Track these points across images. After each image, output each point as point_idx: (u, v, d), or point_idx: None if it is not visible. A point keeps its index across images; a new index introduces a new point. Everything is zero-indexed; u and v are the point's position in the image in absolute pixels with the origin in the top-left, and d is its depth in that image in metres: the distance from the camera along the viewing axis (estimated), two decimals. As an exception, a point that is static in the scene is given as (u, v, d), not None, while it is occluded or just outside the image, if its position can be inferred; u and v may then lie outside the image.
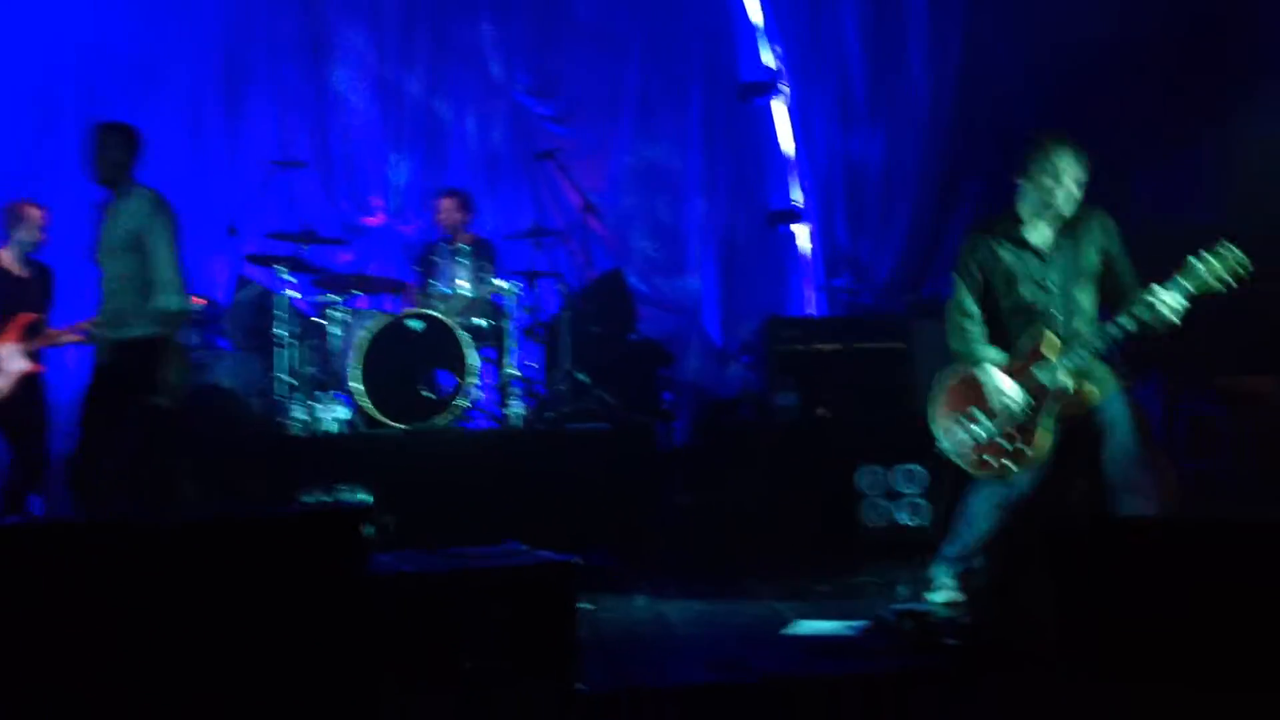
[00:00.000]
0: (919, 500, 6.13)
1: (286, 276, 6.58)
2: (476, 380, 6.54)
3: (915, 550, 5.68)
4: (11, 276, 6.26)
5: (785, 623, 4.42)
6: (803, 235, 9.11)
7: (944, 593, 4.52)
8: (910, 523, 6.13)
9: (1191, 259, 4.07)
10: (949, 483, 4.77)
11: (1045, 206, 4.33)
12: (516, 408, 6.61)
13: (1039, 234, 4.40)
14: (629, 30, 8.91)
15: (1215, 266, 4.05)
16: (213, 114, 8.29)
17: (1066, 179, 4.28)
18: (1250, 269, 4.05)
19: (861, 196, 8.98)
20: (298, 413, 6.25)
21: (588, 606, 3.54)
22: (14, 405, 6.13)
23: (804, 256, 9.10)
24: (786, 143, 9.13)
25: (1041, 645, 3.63)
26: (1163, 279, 4.14)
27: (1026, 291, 4.38)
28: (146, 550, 3.04)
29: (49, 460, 6.36)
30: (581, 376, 6.73)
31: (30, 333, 6.20)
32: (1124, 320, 4.16)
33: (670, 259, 8.95)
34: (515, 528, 4.45)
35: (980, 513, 4.48)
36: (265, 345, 6.77)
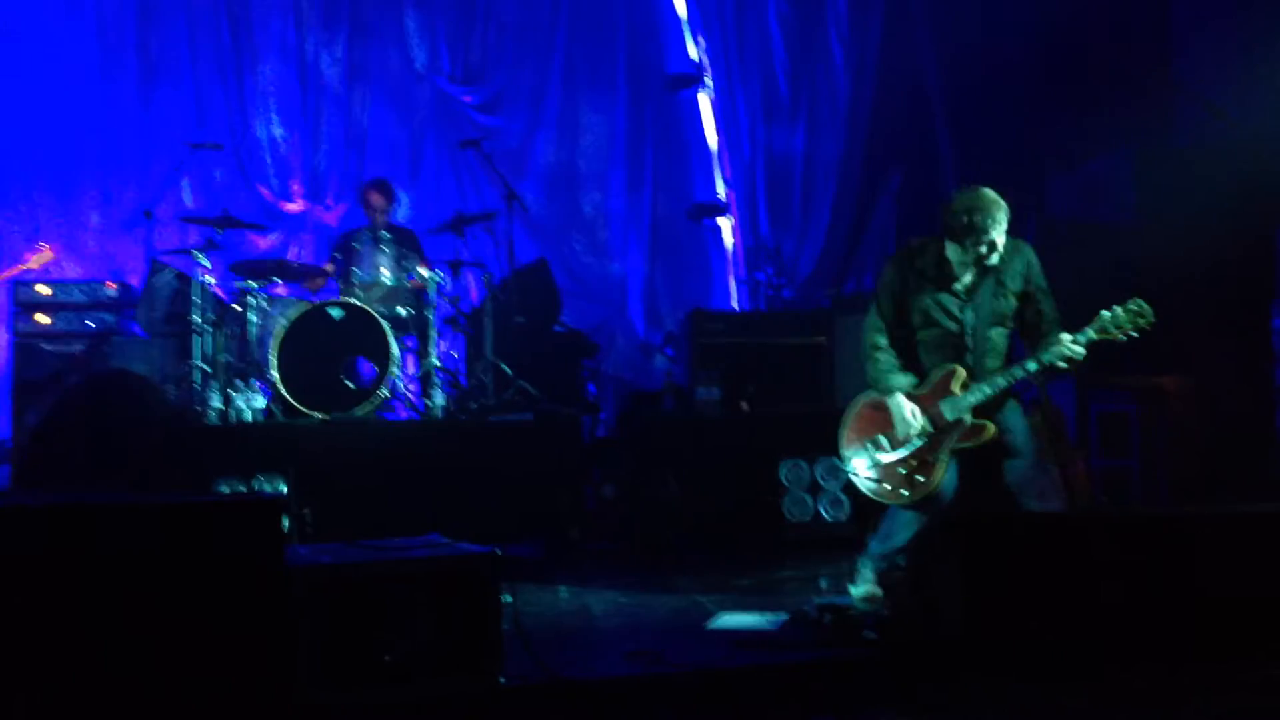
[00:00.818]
0: (840, 495, 6.20)
1: (203, 262, 6.43)
2: (398, 370, 6.46)
3: (836, 544, 5.77)
4: None
5: (707, 615, 4.44)
6: (727, 228, 9.16)
7: (865, 586, 4.61)
8: (831, 517, 6.19)
9: (1103, 311, 4.25)
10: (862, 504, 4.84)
11: (974, 258, 4.35)
12: (438, 398, 6.55)
13: (962, 277, 4.44)
14: (554, 19, 8.88)
15: (1122, 319, 4.24)
16: (126, 93, 8.09)
17: (994, 234, 4.30)
18: (1153, 321, 4.23)
19: (784, 190, 9.08)
20: (214, 401, 6.12)
21: (509, 599, 3.51)
22: None
23: (728, 250, 9.15)
24: (711, 135, 9.17)
25: (955, 637, 3.71)
26: (1076, 317, 4.29)
27: (941, 327, 4.46)
28: (59, 536, 2.96)
29: None
30: (505, 367, 6.69)
31: None
32: (1030, 364, 4.32)
33: (595, 250, 8.95)
34: (437, 519, 4.42)
35: (906, 518, 4.58)
36: (181, 332, 6.63)
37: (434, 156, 8.67)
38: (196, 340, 6.38)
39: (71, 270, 7.70)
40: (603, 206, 9.00)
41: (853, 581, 4.68)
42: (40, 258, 6.58)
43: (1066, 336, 4.26)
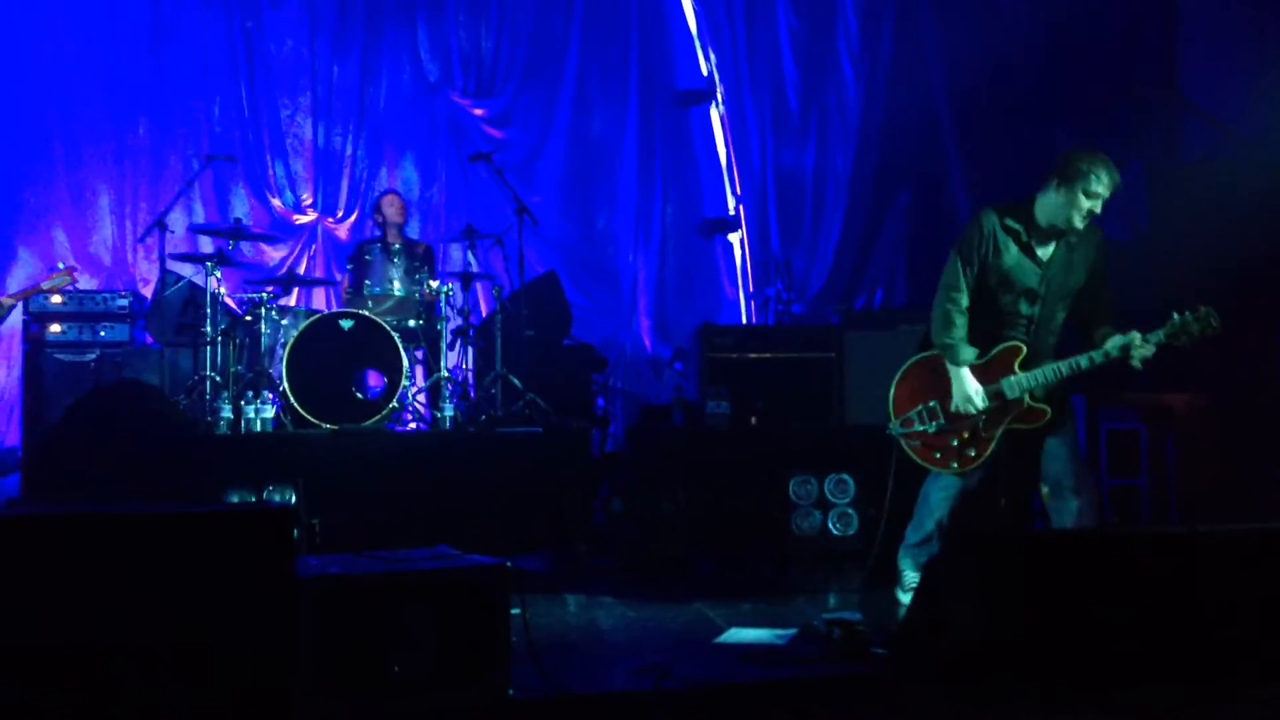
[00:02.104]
0: (849, 510, 6.19)
1: (215, 273, 6.46)
2: (407, 381, 6.48)
3: (844, 559, 5.77)
4: None
5: (715, 629, 4.44)
6: (737, 243, 9.18)
7: (914, 584, 4.57)
8: (839, 532, 6.18)
9: (1174, 314, 4.23)
10: (893, 482, 4.78)
11: (1066, 220, 4.29)
12: (448, 410, 6.56)
13: (1044, 242, 4.38)
14: (566, 35, 8.92)
15: (1191, 323, 4.21)
16: (139, 105, 8.13)
17: (1100, 200, 4.27)
18: (1219, 327, 4.21)
19: (794, 205, 9.10)
20: (225, 411, 6.14)
21: (518, 611, 3.52)
22: None
23: (738, 264, 9.17)
24: (722, 150, 9.20)
25: (966, 653, 3.69)
26: (1146, 327, 4.29)
27: (1016, 298, 4.41)
28: (70, 545, 2.97)
29: None
30: (514, 380, 6.70)
31: None
32: (1098, 355, 4.30)
33: (605, 264, 8.96)
34: (445, 531, 4.42)
35: (936, 501, 4.59)
36: (192, 342, 6.66)
37: (445, 169, 8.70)
38: (208, 350, 6.40)
39: (85, 280, 7.74)
40: (613, 220, 9.03)
41: (899, 583, 4.69)
42: (58, 278, 6.62)
43: (1138, 335, 4.23)
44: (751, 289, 9.03)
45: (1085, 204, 4.24)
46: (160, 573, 3.04)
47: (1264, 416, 6.70)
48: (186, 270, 6.96)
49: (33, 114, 7.94)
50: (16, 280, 7.54)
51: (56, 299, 6.87)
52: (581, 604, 5.12)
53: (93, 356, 6.82)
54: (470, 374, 7.17)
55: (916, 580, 4.58)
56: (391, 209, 7.29)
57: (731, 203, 9.19)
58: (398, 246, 6.94)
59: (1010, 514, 5.53)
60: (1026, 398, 4.37)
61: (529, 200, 7.50)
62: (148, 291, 7.40)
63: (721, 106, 9.15)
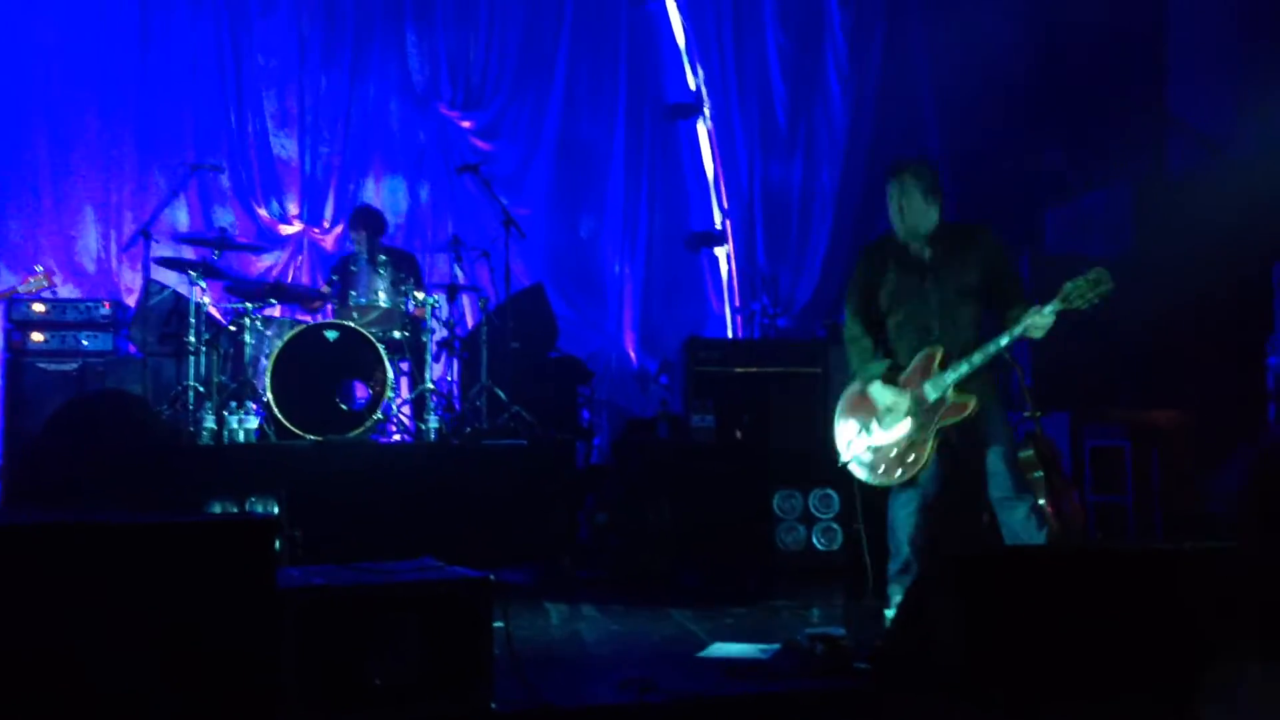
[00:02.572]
0: (833, 525, 6.19)
1: (199, 282, 6.43)
2: (392, 393, 6.45)
3: (829, 574, 5.76)
4: None
5: (699, 643, 4.43)
6: (723, 257, 9.19)
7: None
8: (824, 546, 6.18)
9: (1065, 283, 4.35)
10: (860, 506, 4.91)
11: (904, 228, 4.59)
12: (432, 422, 6.54)
13: (919, 253, 4.63)
14: (554, 47, 8.93)
15: (1083, 287, 4.32)
16: (126, 113, 8.11)
17: (909, 200, 4.55)
18: (1113, 287, 4.32)
19: (782, 220, 9.13)
20: (208, 421, 6.10)
21: (501, 624, 3.50)
22: None
23: (724, 278, 9.18)
24: (709, 165, 9.22)
25: (948, 669, 3.69)
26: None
27: (911, 307, 4.62)
28: (51, 554, 2.94)
29: None
30: (499, 392, 6.69)
31: None
32: (1003, 338, 4.44)
33: (591, 277, 8.97)
34: (429, 543, 4.39)
35: (901, 520, 4.68)
36: (175, 352, 6.62)
37: (432, 181, 8.70)
38: (191, 360, 6.37)
39: (68, 289, 7.70)
40: (600, 233, 9.03)
41: (890, 605, 4.72)
42: (35, 281, 6.58)
43: (1032, 308, 4.38)
44: (738, 303, 9.04)
45: (900, 208, 4.58)
46: (141, 583, 3.01)
47: (1249, 433, 6.74)
48: (171, 279, 6.93)
49: (18, 121, 7.91)
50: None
51: (39, 307, 6.83)
52: (565, 616, 5.11)
53: (75, 366, 6.78)
54: (455, 386, 7.16)
55: None
56: (359, 229, 7.19)
57: (718, 217, 9.21)
58: (383, 258, 6.92)
59: (993, 531, 5.54)
60: (950, 393, 4.51)
61: (516, 212, 7.49)
62: (132, 301, 7.36)
63: (709, 121, 9.18)
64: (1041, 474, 5.71)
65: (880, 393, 4.61)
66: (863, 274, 4.76)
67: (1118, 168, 7.75)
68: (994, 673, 3.64)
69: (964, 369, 4.47)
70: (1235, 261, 6.87)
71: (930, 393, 4.53)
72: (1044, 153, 8.28)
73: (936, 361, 4.54)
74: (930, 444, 4.53)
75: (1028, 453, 5.77)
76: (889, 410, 4.59)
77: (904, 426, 4.57)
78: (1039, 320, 4.36)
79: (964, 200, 8.65)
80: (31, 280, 6.63)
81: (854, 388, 4.78)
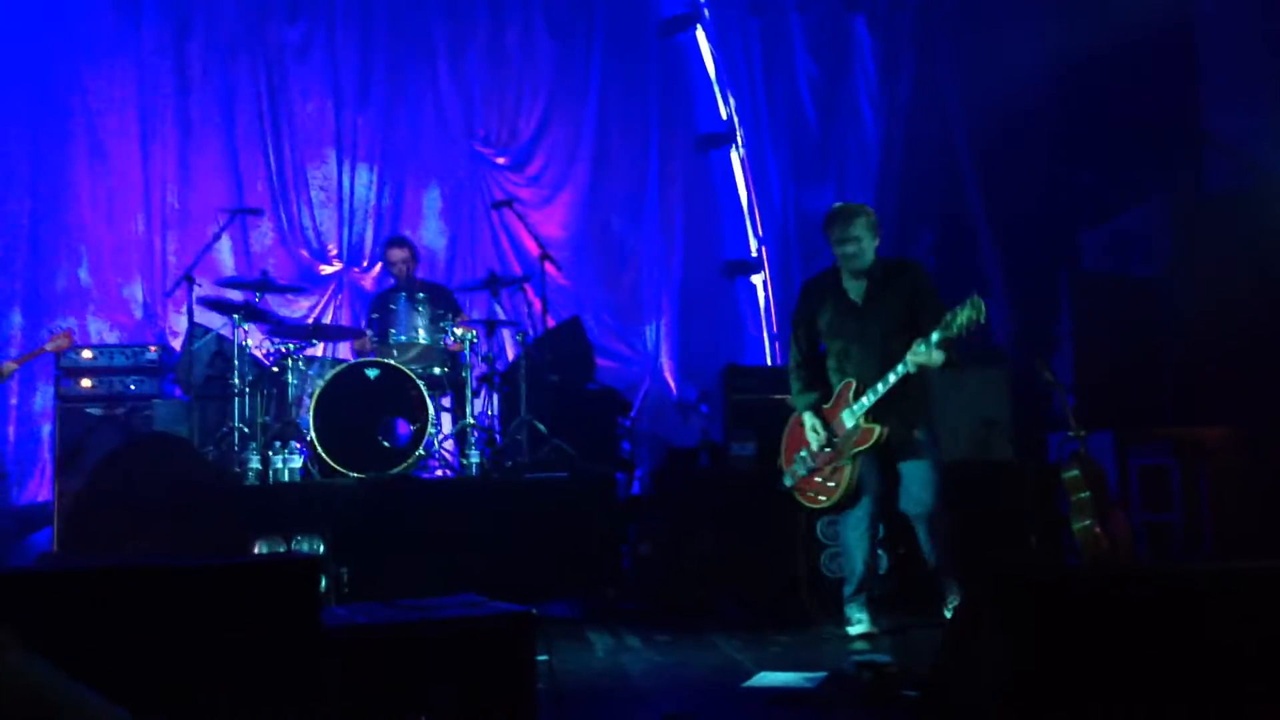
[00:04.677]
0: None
1: (243, 325, 6.53)
2: (433, 429, 6.50)
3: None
4: None
5: (744, 673, 4.40)
6: (760, 285, 9.20)
7: (860, 626, 4.95)
8: (868, 572, 6.11)
9: (945, 314, 4.56)
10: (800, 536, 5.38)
11: (857, 264, 4.91)
12: (474, 456, 6.57)
13: (854, 288, 4.96)
14: (586, 80, 9.01)
15: (960, 318, 4.51)
16: (166, 158, 8.26)
17: (866, 239, 4.89)
18: (984, 318, 4.49)
19: (816, 247, 9.08)
20: (253, 462, 6.18)
21: (545, 658, 3.50)
22: None
23: (761, 306, 9.18)
24: (743, 193, 9.24)
25: (997, 696, 3.64)
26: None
27: (844, 340, 4.94)
28: (101, 598, 2.99)
29: None
30: (540, 425, 6.71)
31: None
32: (899, 368, 4.68)
33: (628, 307, 8.99)
34: (473, 577, 4.42)
35: (853, 542, 4.99)
36: (220, 394, 6.71)
37: (468, 217, 8.78)
38: (235, 402, 6.45)
39: (114, 335, 7.84)
40: (636, 264, 9.07)
41: (849, 625, 4.97)
42: (56, 342, 6.71)
43: (918, 341, 4.61)
44: (775, 330, 9.03)
45: (840, 250, 4.92)
46: (188, 625, 3.05)
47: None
48: (215, 322, 7.04)
49: (65, 167, 8.09)
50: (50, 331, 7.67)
51: (87, 353, 6.95)
52: (609, 648, 5.10)
53: (123, 410, 6.88)
54: (496, 420, 7.19)
55: (865, 620, 4.96)
56: (397, 251, 7.31)
57: (754, 244, 9.22)
58: (422, 295, 6.99)
59: (1040, 551, 5.50)
60: (861, 420, 4.80)
61: (551, 245, 7.55)
62: (177, 344, 7.48)
63: (742, 149, 9.21)
64: (1088, 494, 5.65)
65: (809, 422, 4.95)
66: (802, 308, 5.12)
67: (1154, 186, 7.68)
68: (1043, 698, 3.59)
69: (871, 398, 4.77)
70: (1277, 276, 6.78)
71: (847, 421, 4.85)
72: (1078, 173, 8.21)
73: (852, 391, 4.85)
74: (848, 470, 4.85)
75: (1073, 473, 5.71)
76: (814, 439, 4.92)
77: (828, 454, 4.90)
78: (919, 356, 4.59)
79: (999, 221, 8.62)
80: (56, 339, 6.74)
81: (794, 417, 5.11)
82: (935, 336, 4.56)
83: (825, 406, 4.98)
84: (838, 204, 5.14)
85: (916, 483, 4.85)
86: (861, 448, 4.83)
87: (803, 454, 5.03)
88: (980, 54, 8.50)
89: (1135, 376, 6.91)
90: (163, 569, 3.16)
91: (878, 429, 4.79)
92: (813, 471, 4.99)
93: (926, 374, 4.74)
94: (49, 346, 6.72)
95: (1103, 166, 8.04)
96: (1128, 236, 7.71)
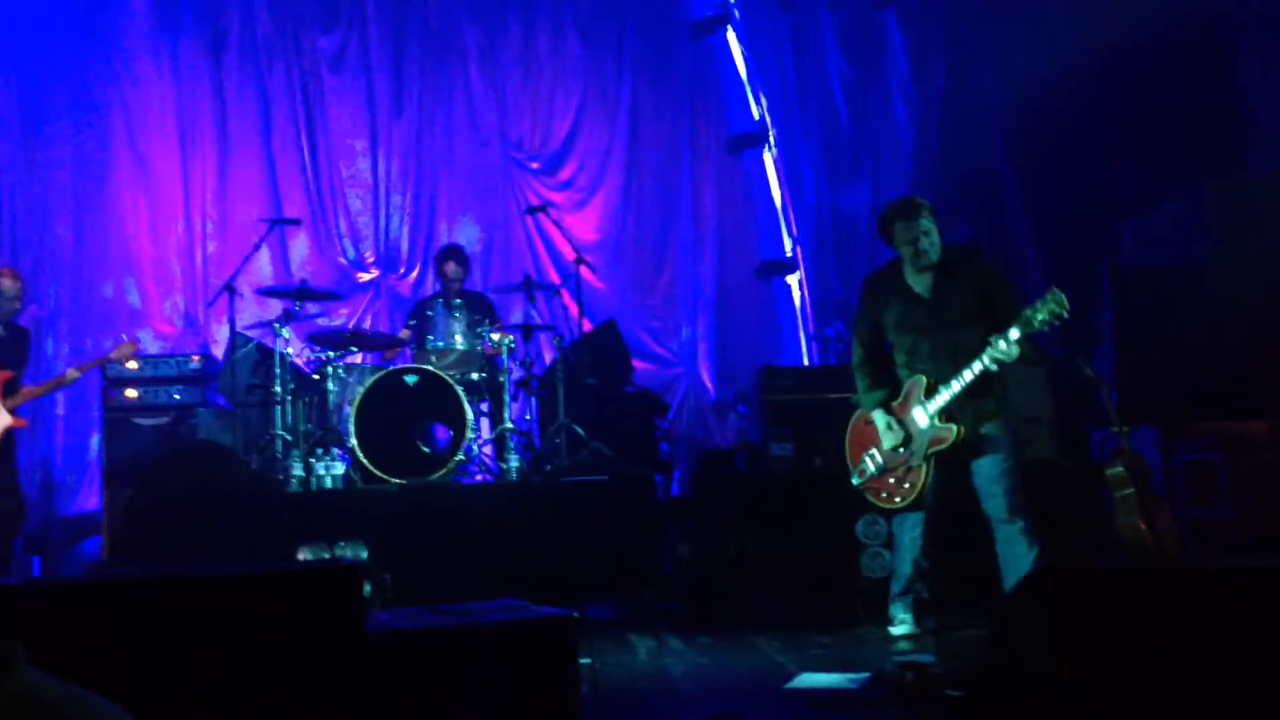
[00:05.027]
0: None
1: (283, 333, 6.59)
2: (473, 434, 6.53)
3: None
4: None
5: (786, 675, 4.40)
6: (795, 284, 9.17)
7: (903, 626, 4.92)
8: (910, 571, 6.08)
9: (1025, 309, 4.42)
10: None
11: (911, 259, 4.75)
12: (513, 461, 6.60)
13: (919, 282, 4.77)
14: (618, 83, 9.02)
15: (1041, 313, 4.37)
16: (205, 170, 8.36)
17: (932, 234, 4.71)
18: (1067, 312, 4.36)
19: (852, 245, 9.06)
20: (296, 469, 6.24)
21: (588, 661, 3.51)
22: None
23: (797, 306, 9.15)
24: (776, 193, 9.21)
25: (1043, 696, 3.61)
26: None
27: (914, 335, 4.78)
28: (150, 606, 3.03)
29: (25, 512, 6.63)
30: (578, 428, 6.73)
31: (8, 390, 6.32)
32: (975, 364, 4.53)
33: (664, 309, 8.99)
34: (514, 582, 4.44)
35: (906, 544, 4.91)
36: (262, 402, 6.78)
37: (503, 222, 8.81)
38: (278, 410, 6.52)
39: (158, 345, 7.94)
40: (670, 265, 9.07)
41: (892, 625, 4.93)
42: (121, 351, 6.81)
43: (995, 336, 4.44)
44: (812, 330, 9.00)
45: (909, 247, 4.72)
46: (234, 633, 3.08)
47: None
48: (255, 331, 7.11)
49: (107, 182, 8.20)
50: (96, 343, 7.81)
51: (132, 364, 7.05)
52: (651, 651, 5.11)
53: (168, 419, 6.97)
54: (534, 424, 7.22)
55: (909, 620, 4.90)
56: (453, 265, 7.37)
57: (788, 244, 9.19)
58: (459, 301, 7.03)
59: (1085, 549, 5.44)
60: (935, 420, 4.66)
61: (585, 249, 7.56)
62: (219, 352, 7.56)
63: (774, 149, 9.19)
64: (1132, 490, 5.59)
65: (880, 420, 4.81)
66: (865, 305, 4.97)
67: (1195, 174, 7.57)
68: (1092, 697, 3.56)
69: (946, 397, 4.62)
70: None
71: (919, 420, 4.71)
72: (1118, 162, 8.12)
73: (922, 389, 4.71)
74: (924, 470, 4.71)
75: (1117, 469, 5.65)
76: (887, 438, 4.78)
77: (901, 454, 4.76)
78: (997, 352, 4.43)
79: (1036, 215, 8.54)
80: (120, 349, 6.84)
81: (859, 415, 4.99)
82: (1017, 333, 4.40)
83: (894, 404, 4.83)
84: (895, 200, 4.92)
85: (987, 480, 4.67)
86: (938, 447, 4.67)
87: (872, 452, 4.88)
88: (1013, 45, 8.43)
89: (1179, 370, 6.81)
90: (209, 577, 3.20)
91: (954, 428, 4.63)
92: (885, 471, 4.84)
93: (1002, 366, 4.55)
94: (114, 355, 6.82)
95: (1143, 154, 7.94)
96: (1169, 225, 7.61)
